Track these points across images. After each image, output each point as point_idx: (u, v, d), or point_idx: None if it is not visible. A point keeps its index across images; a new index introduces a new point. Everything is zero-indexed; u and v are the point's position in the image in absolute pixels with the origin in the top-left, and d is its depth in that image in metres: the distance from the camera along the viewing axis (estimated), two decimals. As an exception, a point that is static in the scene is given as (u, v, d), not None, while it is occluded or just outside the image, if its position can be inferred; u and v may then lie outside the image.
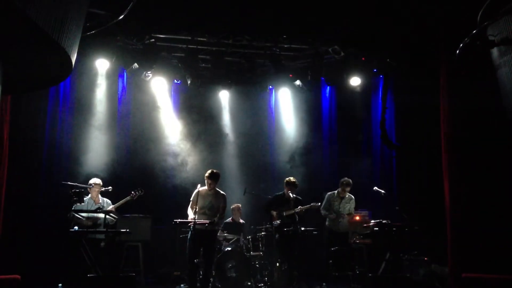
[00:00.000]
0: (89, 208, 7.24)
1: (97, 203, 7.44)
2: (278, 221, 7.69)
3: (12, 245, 7.55)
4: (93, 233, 6.81)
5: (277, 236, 7.72)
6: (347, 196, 8.38)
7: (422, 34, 7.72)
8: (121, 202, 7.45)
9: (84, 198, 7.17)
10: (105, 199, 7.62)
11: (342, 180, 8.36)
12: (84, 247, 6.51)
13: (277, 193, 8.23)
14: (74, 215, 6.84)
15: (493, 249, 6.66)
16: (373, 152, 9.92)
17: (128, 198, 7.42)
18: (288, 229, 7.59)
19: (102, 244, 7.13)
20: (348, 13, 7.55)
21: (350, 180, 8.37)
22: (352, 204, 8.38)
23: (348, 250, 7.71)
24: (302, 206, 7.83)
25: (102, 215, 7.04)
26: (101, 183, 7.61)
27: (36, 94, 8.28)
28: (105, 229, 6.75)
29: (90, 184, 7.43)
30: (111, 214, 7.04)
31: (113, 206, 7.45)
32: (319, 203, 8.07)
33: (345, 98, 10.15)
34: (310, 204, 7.89)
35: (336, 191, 8.41)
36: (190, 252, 7.00)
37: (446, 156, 7.12)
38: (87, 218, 7.08)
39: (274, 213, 7.89)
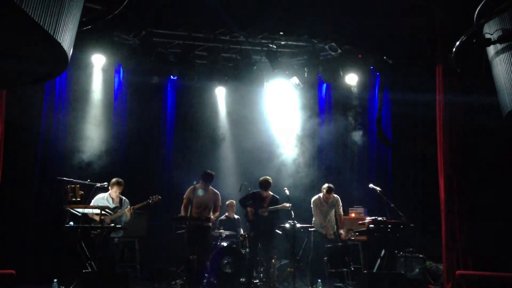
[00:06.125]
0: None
1: (116, 202, 7.31)
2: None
3: (7, 240, 7.54)
4: (87, 229, 6.74)
5: (252, 234, 7.53)
6: (333, 197, 7.96)
7: (419, 32, 7.73)
8: (138, 205, 7.31)
9: (103, 194, 7.25)
10: (125, 199, 7.47)
11: (326, 186, 7.91)
12: (79, 242, 6.48)
13: (255, 190, 7.72)
14: (69, 210, 6.80)
15: (488, 247, 6.71)
16: (369, 149, 9.93)
17: (144, 202, 7.27)
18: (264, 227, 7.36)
19: (116, 240, 7.14)
20: (345, 10, 7.54)
21: (331, 186, 7.89)
22: (339, 205, 8.00)
23: (343, 247, 7.72)
24: (276, 205, 7.46)
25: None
26: (118, 182, 7.36)
27: (31, 89, 8.22)
28: (100, 225, 6.70)
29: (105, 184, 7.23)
30: (107, 210, 7.00)
31: (130, 208, 7.28)
32: (289, 204, 7.39)
33: (341, 95, 10.14)
34: (282, 204, 7.44)
35: (320, 195, 7.97)
36: (186, 248, 7.11)
37: (442, 153, 7.15)
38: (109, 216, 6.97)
39: (249, 209, 7.48)
